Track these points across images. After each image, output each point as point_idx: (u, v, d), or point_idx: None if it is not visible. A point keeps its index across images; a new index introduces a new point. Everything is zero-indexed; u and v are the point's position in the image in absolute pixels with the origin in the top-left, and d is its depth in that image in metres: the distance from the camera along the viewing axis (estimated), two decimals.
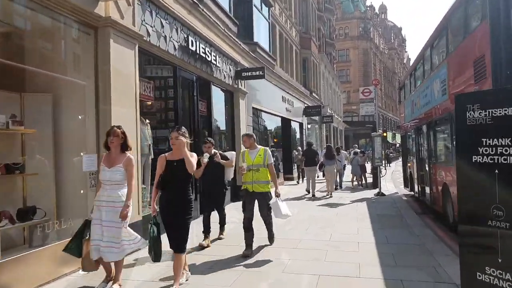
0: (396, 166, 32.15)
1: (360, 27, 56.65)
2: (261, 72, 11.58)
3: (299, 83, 22.21)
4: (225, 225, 7.01)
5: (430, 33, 9.16)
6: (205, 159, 5.61)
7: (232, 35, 11.17)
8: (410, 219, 8.38)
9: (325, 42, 32.67)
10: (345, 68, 55.32)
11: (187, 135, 4.37)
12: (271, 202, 5.85)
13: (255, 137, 6.07)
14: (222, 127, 11.68)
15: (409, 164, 12.53)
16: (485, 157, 2.99)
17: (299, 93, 20.76)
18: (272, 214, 5.99)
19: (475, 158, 3.05)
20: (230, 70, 11.25)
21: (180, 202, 4.29)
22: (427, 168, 9.47)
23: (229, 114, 11.87)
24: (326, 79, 30.95)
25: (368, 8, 62.77)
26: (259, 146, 5.97)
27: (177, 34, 8.10)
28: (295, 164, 17.30)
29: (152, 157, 7.64)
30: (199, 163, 5.90)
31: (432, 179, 8.97)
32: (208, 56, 9.42)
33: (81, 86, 5.67)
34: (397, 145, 55.20)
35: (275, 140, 18.42)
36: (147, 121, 7.54)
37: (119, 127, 4.44)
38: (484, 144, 2.99)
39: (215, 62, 9.84)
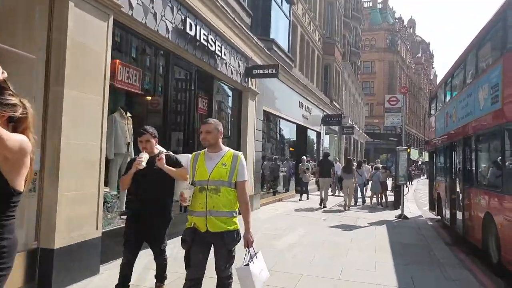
0: (418, 185, 30.20)
1: (388, 39, 54.77)
2: (274, 70, 10.27)
3: (319, 90, 20.81)
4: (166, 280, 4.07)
5: (461, 51, 7.82)
6: (143, 161, 3.52)
7: (244, 27, 9.92)
8: (440, 253, 6.84)
9: (350, 51, 31.17)
10: (369, 80, 53.45)
11: (23, 103, 1.87)
12: (238, 267, 3.15)
13: (221, 128, 3.29)
14: (226, 129, 10.39)
15: (437, 185, 10.92)
16: None
17: (318, 100, 19.35)
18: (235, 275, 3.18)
19: None
20: (239, 66, 9.99)
21: None
22: (461, 192, 7.91)
23: (235, 115, 10.59)
24: (348, 89, 29.42)
25: (396, 21, 60.87)
26: (226, 148, 3.30)
27: (172, 13, 6.87)
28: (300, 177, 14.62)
29: (132, 156, 6.44)
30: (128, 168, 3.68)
31: (467, 205, 7.41)
32: (211, 46, 8.17)
33: (31, 60, 4.43)
34: (419, 162, 52.93)
35: (291, 149, 17.08)
36: (128, 114, 6.32)
37: None
38: None
39: (220, 54, 8.58)
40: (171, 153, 3.99)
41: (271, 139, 15.06)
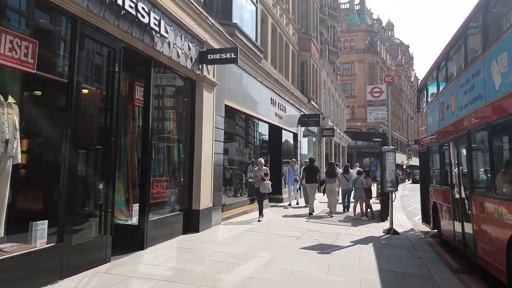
0: (404, 190, 28.75)
1: (367, 40, 53.82)
2: (233, 54, 8.35)
3: (295, 87, 19.04)
4: None
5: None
6: None
7: (194, 2, 8.01)
8: None
9: (328, 49, 29.65)
10: (349, 82, 52.31)
11: None
12: None
13: None
14: (172, 127, 8.39)
15: (432, 192, 9.17)
16: None
17: (294, 98, 17.54)
18: None
19: None
20: (189, 49, 8.05)
21: None
22: (470, 203, 6.13)
23: (187, 110, 8.63)
24: (328, 89, 27.81)
25: (374, 21, 60.07)
26: None
27: None
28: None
29: (19, 161, 4.51)
30: None
31: (481, 221, 5.64)
32: (144, 17, 6.22)
33: None
34: (404, 166, 51.92)
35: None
36: (11, 100, 4.43)
37: None
38: None
39: (157, 29, 6.63)
40: None
41: (250, 144, 13.24)
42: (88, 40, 5.39)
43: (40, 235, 4.64)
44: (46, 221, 4.70)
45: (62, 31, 5.36)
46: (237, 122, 12.26)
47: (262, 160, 11.00)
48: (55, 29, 5.40)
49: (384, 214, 10.95)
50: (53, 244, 4.76)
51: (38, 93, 5.33)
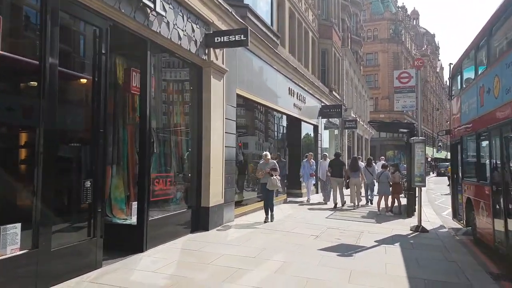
0: (429, 183, 27.29)
1: (391, 29, 51.81)
2: (243, 36, 7.56)
3: (315, 77, 18.09)
4: None
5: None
6: None
7: None
8: None
9: (351, 38, 28.40)
10: (373, 73, 50.55)
11: None
12: None
13: None
14: (177, 118, 7.73)
15: (466, 187, 8.16)
16: None
17: (314, 88, 16.62)
18: None
19: None
20: (193, 31, 7.33)
21: None
22: None
23: (193, 99, 7.94)
24: (350, 79, 26.64)
25: (399, 9, 57.78)
26: None
27: None
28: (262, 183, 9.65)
29: None
30: None
31: None
32: None
33: None
34: (429, 159, 49.95)
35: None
36: None
37: None
38: None
39: (151, 5, 5.90)
40: None
41: (264, 135, 12.43)
42: (64, 15, 4.70)
43: (11, 240, 3.98)
44: (18, 225, 4.04)
45: (32, 4, 4.67)
46: (252, 114, 11.50)
47: (268, 154, 9.54)
48: (23, 1, 4.72)
49: (410, 209, 10.02)
50: (26, 250, 4.12)
51: (6, 77, 4.64)
